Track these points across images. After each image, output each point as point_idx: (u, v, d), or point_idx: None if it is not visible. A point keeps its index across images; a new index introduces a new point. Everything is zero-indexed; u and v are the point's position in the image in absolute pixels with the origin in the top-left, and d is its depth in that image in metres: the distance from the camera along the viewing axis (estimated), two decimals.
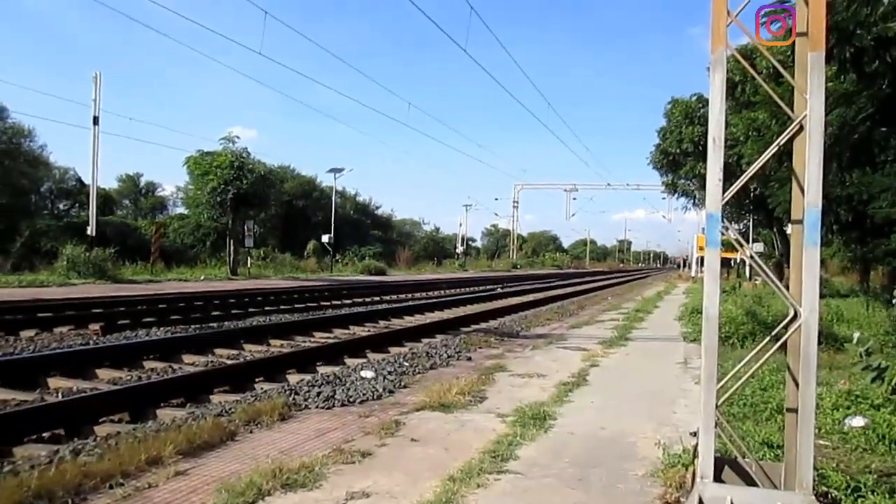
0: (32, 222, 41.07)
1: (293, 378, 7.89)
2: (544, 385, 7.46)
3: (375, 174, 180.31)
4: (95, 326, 11.39)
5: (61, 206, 50.88)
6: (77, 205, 48.41)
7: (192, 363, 9.08)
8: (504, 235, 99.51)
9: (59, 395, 6.89)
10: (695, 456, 3.53)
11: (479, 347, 10.69)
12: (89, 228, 26.48)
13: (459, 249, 71.64)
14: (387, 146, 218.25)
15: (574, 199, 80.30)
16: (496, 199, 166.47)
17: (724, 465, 3.60)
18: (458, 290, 29.63)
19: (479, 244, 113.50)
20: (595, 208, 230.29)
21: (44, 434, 5.41)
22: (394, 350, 10.50)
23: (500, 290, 28.26)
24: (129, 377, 7.91)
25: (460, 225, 70.78)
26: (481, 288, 31.03)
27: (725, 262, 37.59)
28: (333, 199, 48.89)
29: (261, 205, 33.75)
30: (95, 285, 21.52)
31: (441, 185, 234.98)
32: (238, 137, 31.78)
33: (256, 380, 7.81)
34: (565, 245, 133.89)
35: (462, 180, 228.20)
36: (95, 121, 26.35)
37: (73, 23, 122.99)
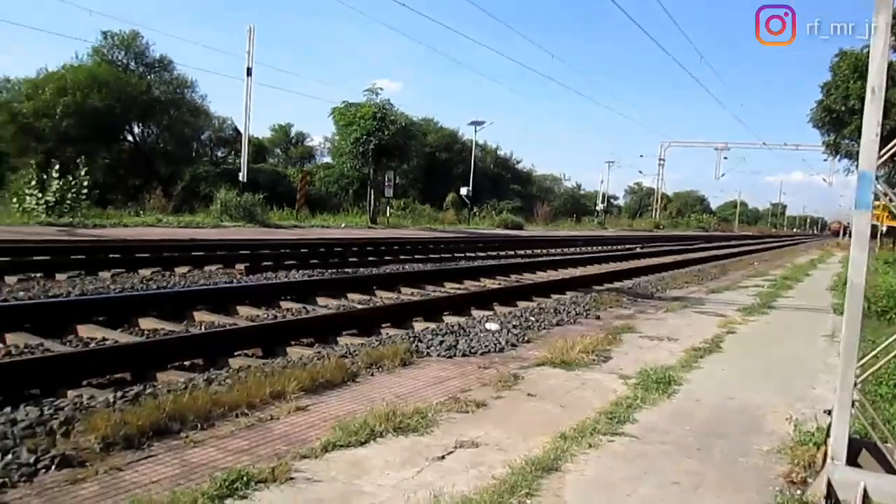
0: (193, 168, 44.20)
1: (419, 326, 7.99)
2: (673, 349, 7.15)
3: (518, 128, 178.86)
4: (241, 266, 12.07)
5: (219, 154, 54.08)
6: (233, 152, 51.19)
7: (325, 305, 9.43)
8: (648, 194, 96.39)
9: (202, 327, 7.36)
10: (828, 435, 3.24)
11: (610, 307, 10.40)
12: (241, 175, 28.04)
13: (599, 207, 70.18)
14: (530, 101, 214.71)
15: (725, 158, 75.59)
16: (641, 156, 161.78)
17: (861, 448, 3.28)
18: (594, 247, 29.10)
19: (620, 202, 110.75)
20: (747, 169, 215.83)
21: (185, 362, 5.79)
22: (521, 304, 10.40)
23: (639, 250, 27.45)
24: (265, 315, 8.33)
25: (602, 182, 69.28)
26: (619, 247, 30.29)
27: (893, 231, 34.46)
28: (473, 152, 49.06)
29: (401, 156, 34.31)
30: (245, 228, 22.86)
31: (584, 141, 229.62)
32: (381, 89, 32.41)
33: (383, 325, 7.99)
34: (713, 206, 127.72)
35: (606, 137, 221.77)
36: (249, 72, 27.67)
37: None
